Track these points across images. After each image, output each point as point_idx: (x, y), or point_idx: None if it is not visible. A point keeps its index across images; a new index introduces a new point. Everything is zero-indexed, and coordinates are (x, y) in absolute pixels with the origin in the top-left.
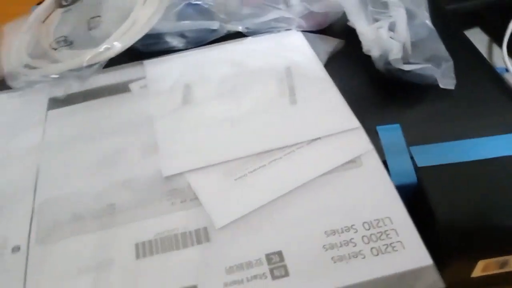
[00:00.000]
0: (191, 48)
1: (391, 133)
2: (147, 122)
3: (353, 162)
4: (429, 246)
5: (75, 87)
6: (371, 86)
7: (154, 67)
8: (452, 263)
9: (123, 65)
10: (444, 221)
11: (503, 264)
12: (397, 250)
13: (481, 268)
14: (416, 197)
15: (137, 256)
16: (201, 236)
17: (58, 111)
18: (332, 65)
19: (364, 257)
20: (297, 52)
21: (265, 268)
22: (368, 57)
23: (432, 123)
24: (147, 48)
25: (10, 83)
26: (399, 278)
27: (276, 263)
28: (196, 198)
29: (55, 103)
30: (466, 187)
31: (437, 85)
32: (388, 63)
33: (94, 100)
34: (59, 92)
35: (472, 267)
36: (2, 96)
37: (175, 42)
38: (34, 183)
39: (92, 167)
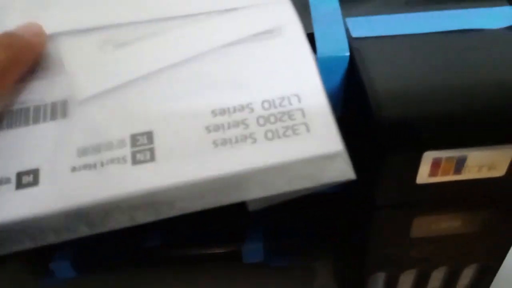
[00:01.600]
0: None
1: (325, 4)
2: None
3: (270, 32)
4: (367, 139)
5: None
6: None
7: None
8: (391, 158)
9: None
10: (378, 98)
11: (459, 163)
12: (298, 134)
13: (428, 168)
14: (349, 78)
15: None
16: (57, 110)
17: None
18: None
19: (254, 141)
20: None
21: (126, 150)
22: None
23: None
24: None
25: None
26: (295, 168)
27: (142, 145)
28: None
29: None
30: (410, 62)
31: None
32: None
33: None
34: None
35: (416, 164)
36: None
37: None
38: None
39: None
